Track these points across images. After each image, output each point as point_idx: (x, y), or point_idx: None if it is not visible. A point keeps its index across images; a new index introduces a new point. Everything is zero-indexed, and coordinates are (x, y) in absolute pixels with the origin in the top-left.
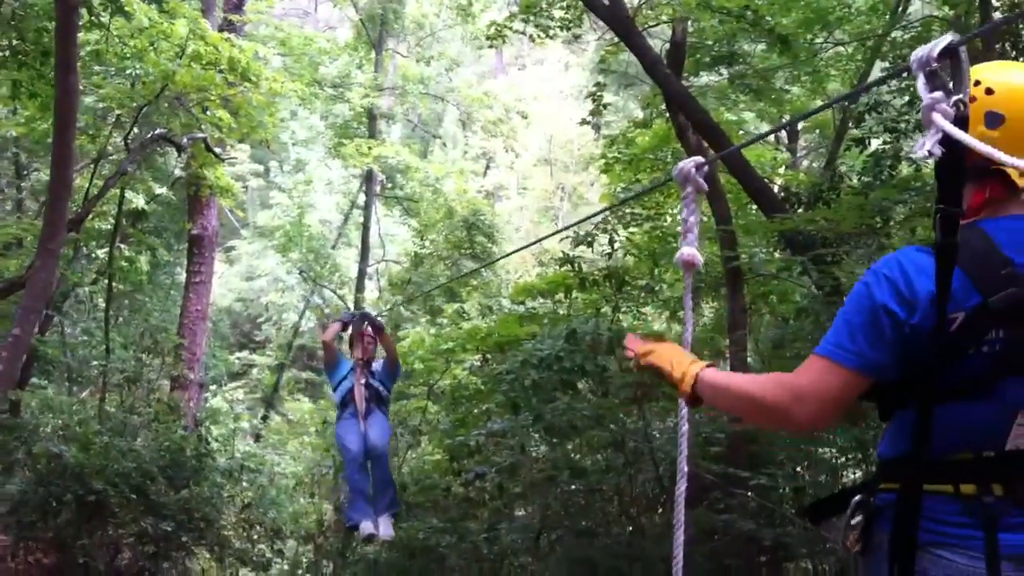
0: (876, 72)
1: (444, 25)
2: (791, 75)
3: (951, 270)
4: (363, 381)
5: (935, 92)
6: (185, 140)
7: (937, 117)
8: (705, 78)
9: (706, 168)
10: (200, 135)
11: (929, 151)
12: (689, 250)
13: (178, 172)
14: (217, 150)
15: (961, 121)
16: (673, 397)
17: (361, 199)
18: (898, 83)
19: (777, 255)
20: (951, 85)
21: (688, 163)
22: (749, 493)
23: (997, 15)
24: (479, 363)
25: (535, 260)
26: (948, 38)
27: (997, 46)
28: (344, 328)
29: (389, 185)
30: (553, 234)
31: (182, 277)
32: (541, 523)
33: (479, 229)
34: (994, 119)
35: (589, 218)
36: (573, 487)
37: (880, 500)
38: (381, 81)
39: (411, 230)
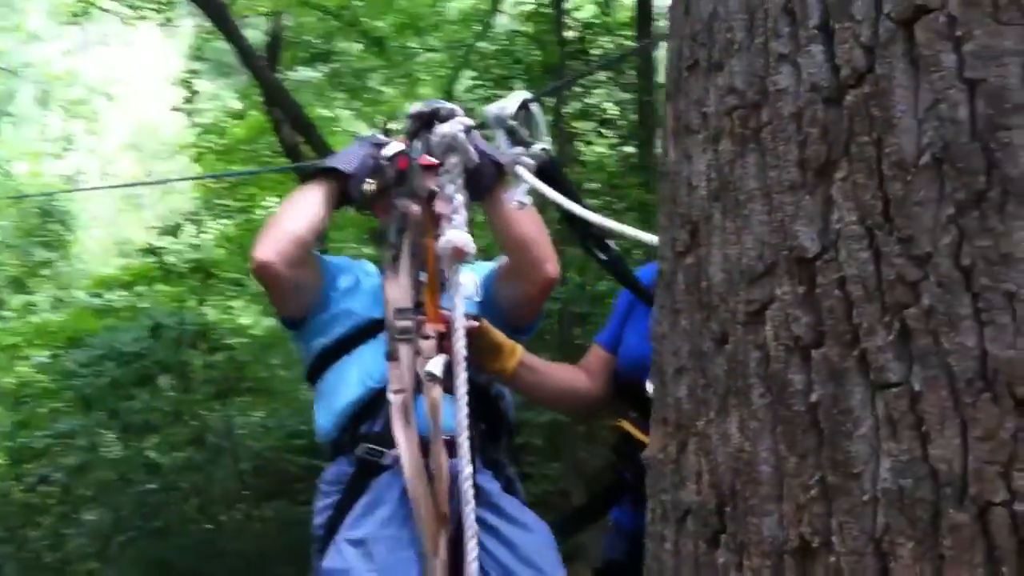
0: (465, 80)
1: None
2: (386, 77)
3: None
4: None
5: (516, 147)
6: None
7: (521, 171)
8: (302, 73)
9: (477, 134)
10: None
11: (521, 202)
12: (459, 235)
13: None
14: None
15: (548, 165)
16: (257, 391)
17: None
18: (484, 91)
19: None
20: (529, 136)
21: (454, 126)
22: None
23: (571, 34)
24: (48, 359)
25: (117, 250)
26: (522, 95)
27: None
28: (360, 183)
29: None
30: None
31: None
32: (112, 526)
33: (53, 216)
34: None
35: None
36: (149, 487)
37: None
38: None
39: None
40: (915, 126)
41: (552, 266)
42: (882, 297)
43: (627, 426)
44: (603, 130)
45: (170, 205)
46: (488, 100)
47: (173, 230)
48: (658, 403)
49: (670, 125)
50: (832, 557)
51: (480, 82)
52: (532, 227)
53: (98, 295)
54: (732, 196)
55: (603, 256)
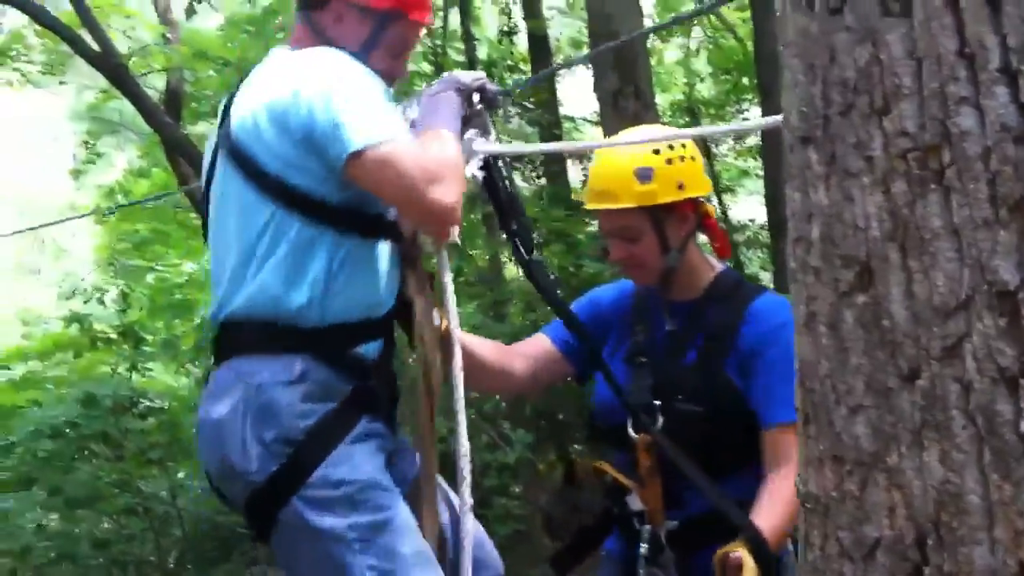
0: None
1: None
2: None
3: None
4: None
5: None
6: None
7: (479, 142)
8: (202, 126)
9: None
10: None
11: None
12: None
13: None
14: None
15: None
16: (190, 453)
17: None
18: None
19: None
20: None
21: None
22: None
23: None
24: None
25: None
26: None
27: None
28: None
29: None
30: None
31: None
32: None
33: None
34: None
35: None
36: (95, 562)
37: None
38: None
39: None
40: None
41: None
42: None
43: (610, 470)
44: (516, 164)
45: (65, 269)
46: None
47: (100, 297)
48: (820, 442)
49: (813, 169)
50: None
51: None
52: None
53: (5, 367)
54: (915, 235)
55: (526, 257)
